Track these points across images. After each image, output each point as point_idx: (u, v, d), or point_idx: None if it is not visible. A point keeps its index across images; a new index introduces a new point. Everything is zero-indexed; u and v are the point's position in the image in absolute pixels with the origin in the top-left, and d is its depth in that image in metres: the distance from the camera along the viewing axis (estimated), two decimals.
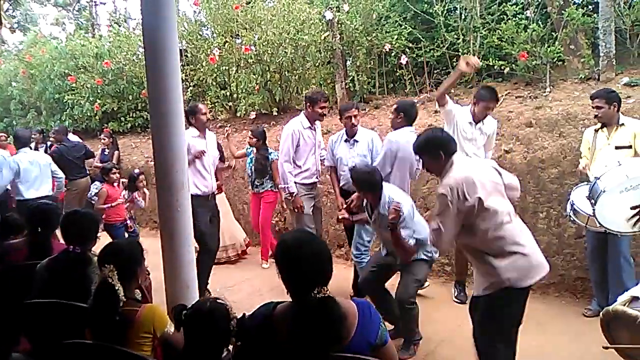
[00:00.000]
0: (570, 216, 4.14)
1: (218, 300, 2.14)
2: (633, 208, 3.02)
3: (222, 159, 6.22)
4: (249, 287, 5.59)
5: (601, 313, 2.84)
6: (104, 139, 8.75)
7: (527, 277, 2.90)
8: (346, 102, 6.70)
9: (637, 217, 3.04)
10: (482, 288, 2.95)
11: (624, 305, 2.69)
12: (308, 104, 5.04)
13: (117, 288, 2.30)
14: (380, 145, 4.90)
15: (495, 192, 2.91)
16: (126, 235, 5.90)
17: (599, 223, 3.63)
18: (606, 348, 2.77)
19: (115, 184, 5.98)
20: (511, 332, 3.03)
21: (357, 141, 4.93)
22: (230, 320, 2.05)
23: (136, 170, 6.45)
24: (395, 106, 4.68)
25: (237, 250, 6.63)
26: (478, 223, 2.85)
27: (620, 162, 3.65)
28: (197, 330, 2.09)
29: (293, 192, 5.00)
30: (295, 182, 5.02)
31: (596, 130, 4.37)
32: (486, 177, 2.92)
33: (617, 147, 4.20)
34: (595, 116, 4.29)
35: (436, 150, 3.03)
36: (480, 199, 2.79)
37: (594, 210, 3.62)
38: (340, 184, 5.02)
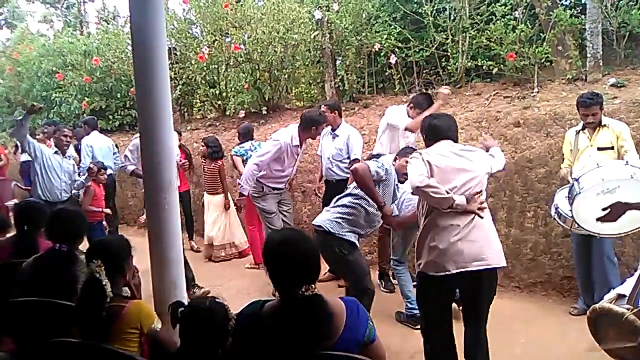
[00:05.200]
0: (554, 219, 4.17)
1: (217, 300, 2.12)
2: (604, 209, 3.04)
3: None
4: (237, 285, 5.58)
5: (588, 310, 2.86)
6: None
7: (437, 266, 3.01)
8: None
9: (605, 217, 3.07)
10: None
11: (611, 302, 2.72)
12: (313, 126, 4.95)
13: (104, 283, 2.29)
14: (358, 141, 5.35)
15: (449, 180, 3.02)
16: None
17: (577, 223, 3.66)
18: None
19: (101, 185, 5.94)
20: (438, 316, 3.17)
21: (337, 135, 5.39)
22: (229, 320, 2.04)
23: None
24: None
25: (237, 249, 6.69)
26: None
27: (599, 164, 3.66)
28: (194, 328, 2.06)
29: (245, 195, 5.14)
30: (264, 184, 5.12)
31: (577, 132, 4.39)
32: (446, 166, 3.05)
33: (599, 149, 4.22)
34: (590, 123, 4.27)
35: (424, 134, 3.36)
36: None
37: (570, 210, 3.65)
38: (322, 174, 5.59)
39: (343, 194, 3.97)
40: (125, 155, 5.58)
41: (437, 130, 3.22)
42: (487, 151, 3.53)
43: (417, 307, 4.12)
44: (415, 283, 3.68)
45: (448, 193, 2.94)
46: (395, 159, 3.97)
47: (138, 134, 5.12)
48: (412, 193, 3.12)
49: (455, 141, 3.25)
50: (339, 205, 3.86)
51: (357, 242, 3.87)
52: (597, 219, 3.12)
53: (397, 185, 3.89)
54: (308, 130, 4.96)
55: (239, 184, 5.08)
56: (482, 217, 3.04)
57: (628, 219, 3.19)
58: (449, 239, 2.97)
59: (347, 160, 5.30)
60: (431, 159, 3.06)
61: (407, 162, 3.64)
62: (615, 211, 3.02)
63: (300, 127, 5.01)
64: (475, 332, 3.15)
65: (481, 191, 3.06)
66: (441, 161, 3.06)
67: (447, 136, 3.19)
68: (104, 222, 5.91)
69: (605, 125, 4.25)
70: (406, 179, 3.72)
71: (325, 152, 5.49)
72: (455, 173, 3.03)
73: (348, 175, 5.28)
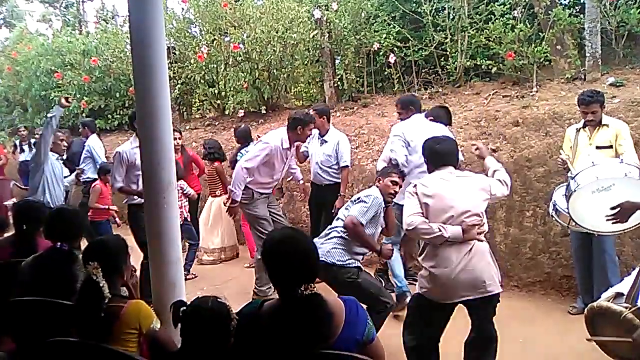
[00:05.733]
0: (553, 216, 4.18)
1: (219, 299, 2.10)
2: (613, 208, 3.04)
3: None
4: (236, 285, 5.58)
5: (586, 309, 2.87)
6: None
7: (437, 295, 3.08)
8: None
9: (614, 217, 3.06)
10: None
11: (609, 301, 2.73)
12: (299, 126, 4.78)
13: (101, 285, 2.29)
14: (346, 147, 5.38)
15: (441, 217, 3.05)
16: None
17: (574, 221, 3.67)
18: (589, 340, 2.80)
19: (108, 184, 5.96)
20: (430, 331, 3.23)
21: (326, 141, 5.42)
22: (231, 320, 2.03)
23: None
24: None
25: (234, 251, 6.71)
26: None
27: (595, 163, 3.67)
28: (197, 328, 2.05)
29: (237, 201, 4.86)
30: (253, 190, 4.92)
31: (578, 130, 4.40)
32: (443, 196, 3.08)
33: (598, 147, 4.23)
34: (590, 121, 4.27)
35: (426, 158, 3.38)
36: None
37: (567, 207, 3.65)
38: (311, 178, 5.61)
39: (336, 224, 3.91)
40: (113, 176, 5.00)
41: (438, 156, 3.28)
42: (481, 158, 3.59)
43: (406, 287, 4.45)
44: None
45: (440, 230, 2.99)
46: (378, 180, 3.98)
47: (119, 151, 4.94)
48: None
49: (456, 165, 3.30)
50: (334, 237, 3.81)
51: (360, 265, 3.86)
52: (607, 218, 3.09)
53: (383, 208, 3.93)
54: (294, 130, 4.81)
55: (231, 190, 4.84)
56: (482, 240, 3.08)
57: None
58: (449, 272, 3.01)
59: (336, 166, 5.37)
60: (427, 190, 3.12)
61: (392, 181, 3.85)
62: (625, 210, 3.01)
63: (287, 128, 4.89)
64: (480, 336, 3.22)
65: (480, 221, 3.08)
66: (437, 191, 3.10)
67: (448, 162, 3.25)
68: (117, 219, 5.93)
69: (605, 125, 4.26)
70: (392, 199, 3.91)
71: (314, 157, 5.51)
72: (451, 202, 3.07)
73: (337, 180, 5.35)
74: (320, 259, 3.61)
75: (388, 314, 3.74)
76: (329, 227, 3.97)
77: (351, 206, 3.87)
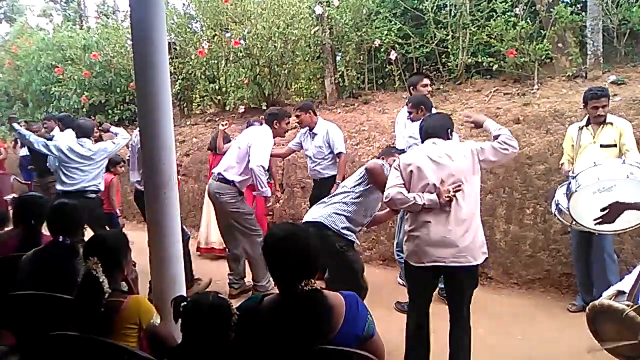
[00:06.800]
0: (555, 215, 4.17)
1: (219, 295, 2.11)
2: (603, 209, 3.02)
3: None
4: None
5: (587, 307, 2.86)
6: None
7: (415, 257, 3.18)
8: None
9: (602, 218, 3.03)
10: None
11: (610, 299, 2.72)
12: (275, 120, 4.96)
13: (101, 280, 2.29)
14: (338, 135, 5.35)
15: (419, 185, 3.15)
16: None
17: (575, 220, 3.66)
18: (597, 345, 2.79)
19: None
20: (417, 297, 3.36)
21: (315, 134, 5.40)
22: (231, 315, 2.03)
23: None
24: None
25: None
26: None
27: (596, 163, 3.67)
28: (197, 323, 2.05)
29: (269, 196, 5.03)
30: (239, 187, 4.91)
31: (580, 128, 4.39)
32: (424, 165, 3.17)
33: (602, 146, 4.22)
34: (599, 116, 4.26)
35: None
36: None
37: (568, 207, 3.65)
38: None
39: (340, 190, 3.92)
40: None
41: (425, 130, 3.39)
42: (479, 127, 3.56)
43: None
44: None
45: (414, 198, 3.10)
46: (381, 158, 4.04)
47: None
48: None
49: (447, 138, 3.34)
50: (338, 202, 3.80)
51: (355, 241, 3.87)
52: (595, 221, 3.06)
53: None
54: (272, 125, 4.95)
55: (261, 190, 4.80)
56: (455, 199, 3.10)
57: (627, 217, 3.19)
58: (425, 234, 3.12)
59: (330, 156, 5.34)
60: (408, 160, 3.25)
61: (394, 161, 3.80)
62: (614, 211, 3.00)
63: (267, 124, 4.99)
64: (456, 322, 3.23)
65: (457, 184, 3.11)
66: (415, 161, 3.21)
67: (435, 134, 3.32)
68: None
69: (609, 123, 4.25)
70: None
71: (308, 152, 5.49)
72: (431, 170, 3.15)
73: (332, 173, 5.33)
74: (317, 219, 3.70)
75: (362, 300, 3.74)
76: (330, 195, 3.99)
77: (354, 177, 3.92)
